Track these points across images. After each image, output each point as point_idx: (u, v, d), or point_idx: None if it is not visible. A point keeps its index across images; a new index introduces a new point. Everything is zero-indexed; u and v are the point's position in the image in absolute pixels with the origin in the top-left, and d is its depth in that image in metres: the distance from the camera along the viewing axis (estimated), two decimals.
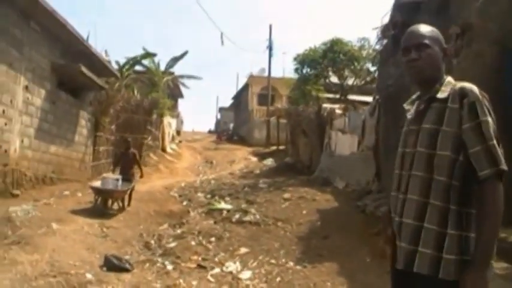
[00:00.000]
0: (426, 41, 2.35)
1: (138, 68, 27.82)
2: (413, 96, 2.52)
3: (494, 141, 2.15)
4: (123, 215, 10.82)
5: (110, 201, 10.99)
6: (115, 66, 22.54)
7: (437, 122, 2.24)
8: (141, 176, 12.71)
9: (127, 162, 11.86)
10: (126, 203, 11.37)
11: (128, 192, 11.42)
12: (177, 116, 37.70)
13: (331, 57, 19.56)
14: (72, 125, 14.46)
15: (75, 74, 13.21)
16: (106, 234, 8.96)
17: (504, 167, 2.15)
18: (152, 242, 9.26)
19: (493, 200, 2.11)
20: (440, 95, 2.29)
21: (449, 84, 2.32)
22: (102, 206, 10.66)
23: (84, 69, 13.07)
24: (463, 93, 2.21)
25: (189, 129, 46.07)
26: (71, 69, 13.06)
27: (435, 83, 2.34)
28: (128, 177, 11.41)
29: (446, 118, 2.22)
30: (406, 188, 2.30)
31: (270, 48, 36.39)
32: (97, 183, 11.06)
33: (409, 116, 2.43)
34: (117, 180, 10.89)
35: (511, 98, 6.18)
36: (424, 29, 2.42)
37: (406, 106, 2.52)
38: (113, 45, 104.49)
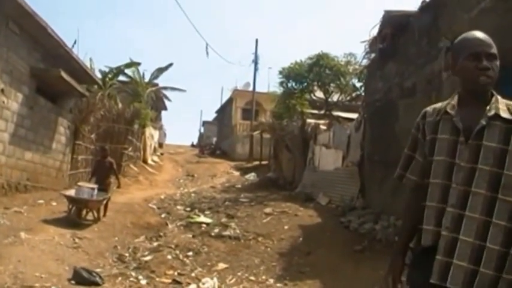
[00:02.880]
0: (496, 52, 2.28)
1: (122, 78, 27.46)
2: (440, 104, 2.42)
3: None
4: (98, 225, 10.33)
5: (84, 211, 10.49)
6: (99, 76, 22.16)
7: (503, 142, 2.17)
8: (118, 186, 12.36)
9: (103, 172, 11.39)
10: (101, 213, 10.90)
11: (104, 202, 10.96)
12: (159, 128, 37.23)
13: (317, 71, 19.31)
14: (50, 132, 13.96)
15: (55, 79, 12.75)
16: (78, 245, 8.49)
17: None
18: (126, 254, 8.83)
19: None
20: (504, 114, 2.21)
21: (502, 102, 2.27)
22: (75, 216, 10.14)
23: (64, 74, 12.62)
24: None
25: (172, 142, 45.53)
26: (51, 74, 12.59)
27: (489, 95, 2.29)
28: (103, 187, 10.93)
29: None
30: (461, 203, 2.18)
31: (256, 62, 36.20)
32: (71, 192, 10.59)
33: (457, 124, 2.26)
34: (93, 189, 10.42)
35: None
36: (489, 38, 2.32)
37: (450, 110, 2.34)
38: (99, 55, 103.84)
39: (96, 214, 10.57)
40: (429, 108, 2.43)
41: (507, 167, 2.13)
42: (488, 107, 2.23)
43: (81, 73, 14.95)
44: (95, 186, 10.66)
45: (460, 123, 2.24)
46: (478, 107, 2.23)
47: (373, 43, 11.91)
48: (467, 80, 2.30)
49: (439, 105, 2.41)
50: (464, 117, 2.25)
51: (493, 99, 2.26)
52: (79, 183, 11.53)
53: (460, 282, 2.11)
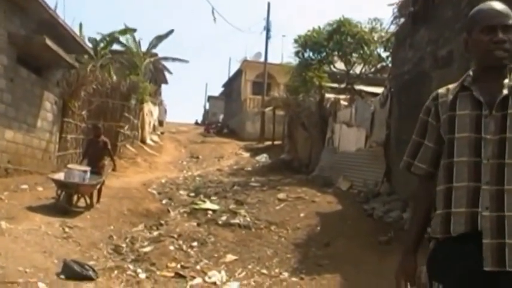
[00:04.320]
0: None
1: (116, 47, 27.45)
2: (452, 85, 2.49)
3: None
4: (91, 213, 10.40)
5: (75, 197, 10.53)
6: (90, 44, 22.13)
7: None
8: (114, 169, 12.42)
9: (96, 152, 11.42)
10: (94, 199, 10.95)
11: (97, 186, 10.99)
12: (159, 103, 37.25)
13: (337, 40, 18.97)
14: (34, 108, 13.94)
15: (38, 47, 12.70)
16: (68, 235, 8.55)
17: None
18: (123, 245, 8.89)
19: None
20: None
21: None
22: (65, 203, 10.17)
23: (49, 42, 12.55)
24: None
25: (173, 119, 45.66)
26: (34, 42, 12.54)
27: (506, 71, 2.35)
28: (96, 170, 10.98)
29: None
30: (497, 179, 2.20)
31: (268, 29, 35.94)
32: (59, 175, 10.61)
33: (479, 97, 2.32)
34: (85, 172, 10.44)
35: None
36: (507, 8, 2.36)
37: (468, 85, 2.42)
38: (90, 21, 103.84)
39: (88, 200, 10.63)
40: (441, 90, 2.50)
41: None
42: (507, 80, 2.31)
43: (70, 41, 14.90)
44: (87, 168, 10.70)
45: (481, 96, 2.30)
46: (496, 82, 2.31)
47: (402, 6, 11.75)
48: (481, 55, 2.36)
49: (451, 86, 2.48)
50: (483, 91, 2.31)
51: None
52: (69, 166, 11.57)
53: None
